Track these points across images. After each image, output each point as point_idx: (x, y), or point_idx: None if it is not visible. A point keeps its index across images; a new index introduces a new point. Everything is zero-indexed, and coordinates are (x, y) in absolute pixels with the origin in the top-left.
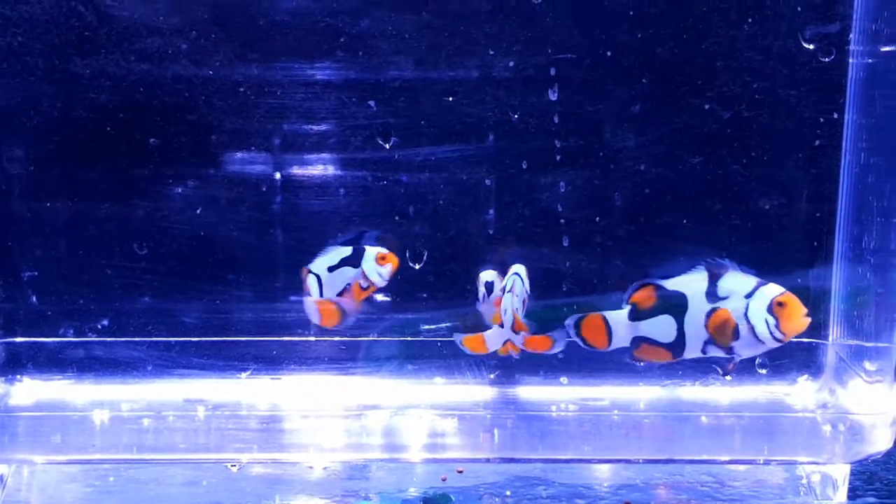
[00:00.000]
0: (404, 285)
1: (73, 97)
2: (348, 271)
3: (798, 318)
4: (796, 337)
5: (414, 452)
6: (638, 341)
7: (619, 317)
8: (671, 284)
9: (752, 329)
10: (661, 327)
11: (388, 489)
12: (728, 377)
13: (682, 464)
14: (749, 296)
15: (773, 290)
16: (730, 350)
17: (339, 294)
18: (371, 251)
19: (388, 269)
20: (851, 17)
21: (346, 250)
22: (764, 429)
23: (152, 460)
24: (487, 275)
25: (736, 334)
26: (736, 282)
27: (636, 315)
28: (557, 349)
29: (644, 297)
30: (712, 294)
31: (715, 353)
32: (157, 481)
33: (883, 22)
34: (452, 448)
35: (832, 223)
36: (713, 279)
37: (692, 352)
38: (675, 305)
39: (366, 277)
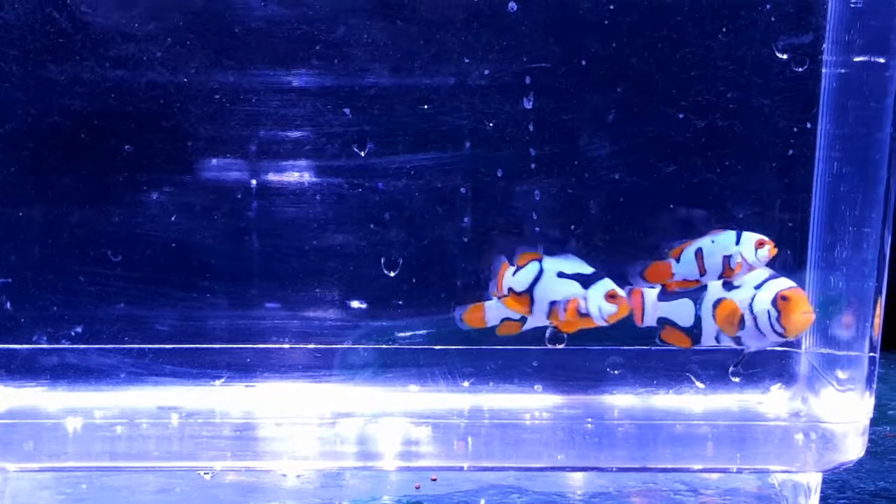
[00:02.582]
0: (379, 293)
1: (48, 103)
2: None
3: (798, 313)
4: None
5: (388, 460)
6: (663, 322)
7: (651, 294)
8: None
9: (755, 320)
10: (682, 311)
11: (362, 497)
12: (735, 378)
13: (655, 472)
14: (759, 287)
15: (782, 283)
16: (738, 341)
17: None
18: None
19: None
20: (825, 27)
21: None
22: (737, 437)
23: (125, 468)
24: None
25: (742, 325)
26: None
27: (663, 295)
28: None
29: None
30: (728, 283)
31: (727, 343)
32: (130, 489)
33: (856, 32)
34: (426, 456)
35: (805, 232)
36: None
37: (707, 339)
38: (695, 290)
39: None
